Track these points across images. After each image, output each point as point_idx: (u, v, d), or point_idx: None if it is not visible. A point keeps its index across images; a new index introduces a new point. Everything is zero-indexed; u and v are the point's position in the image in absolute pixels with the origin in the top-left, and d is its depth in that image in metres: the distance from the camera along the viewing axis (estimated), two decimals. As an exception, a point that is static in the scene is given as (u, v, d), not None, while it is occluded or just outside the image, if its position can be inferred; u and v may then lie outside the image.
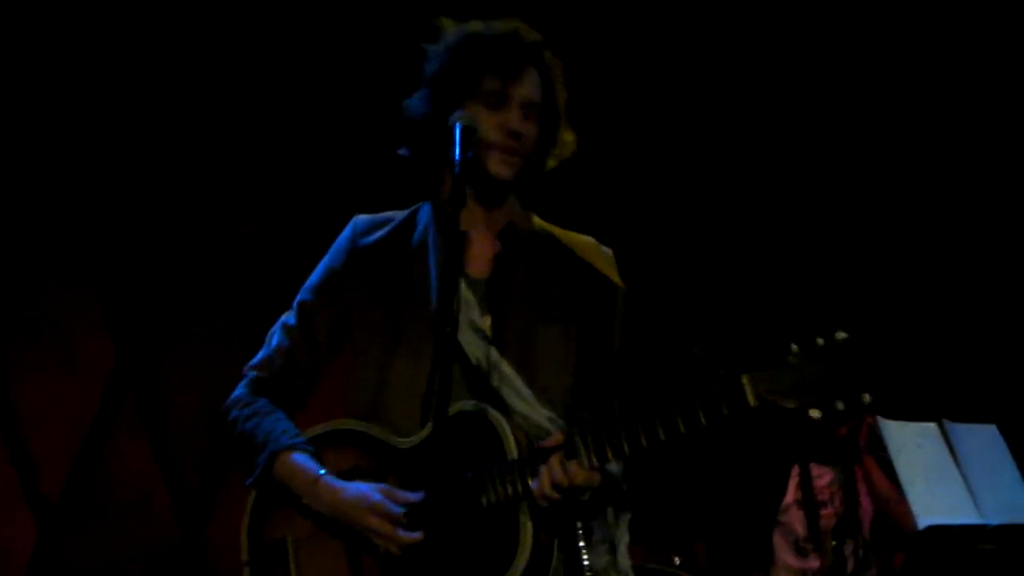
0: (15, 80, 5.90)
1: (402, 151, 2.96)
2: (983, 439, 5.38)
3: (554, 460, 2.61)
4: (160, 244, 6.33)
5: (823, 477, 5.66)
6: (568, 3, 5.79)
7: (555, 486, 2.60)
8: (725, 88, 6.65)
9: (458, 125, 2.70)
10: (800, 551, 5.63)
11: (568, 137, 2.97)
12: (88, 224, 6.21)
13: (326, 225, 3.12)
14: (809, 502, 5.59)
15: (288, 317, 3.02)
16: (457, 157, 2.67)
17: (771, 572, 5.73)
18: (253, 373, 3.01)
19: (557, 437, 2.67)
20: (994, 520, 5.13)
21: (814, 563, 5.56)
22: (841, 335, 2.51)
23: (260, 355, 3.03)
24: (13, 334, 6.00)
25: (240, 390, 3.01)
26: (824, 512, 5.59)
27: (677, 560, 5.93)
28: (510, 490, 2.65)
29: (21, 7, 5.77)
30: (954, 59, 6.33)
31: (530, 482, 2.63)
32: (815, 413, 2.50)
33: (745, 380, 2.53)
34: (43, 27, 5.82)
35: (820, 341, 2.52)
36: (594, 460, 2.61)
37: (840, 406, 2.49)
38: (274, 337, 3.02)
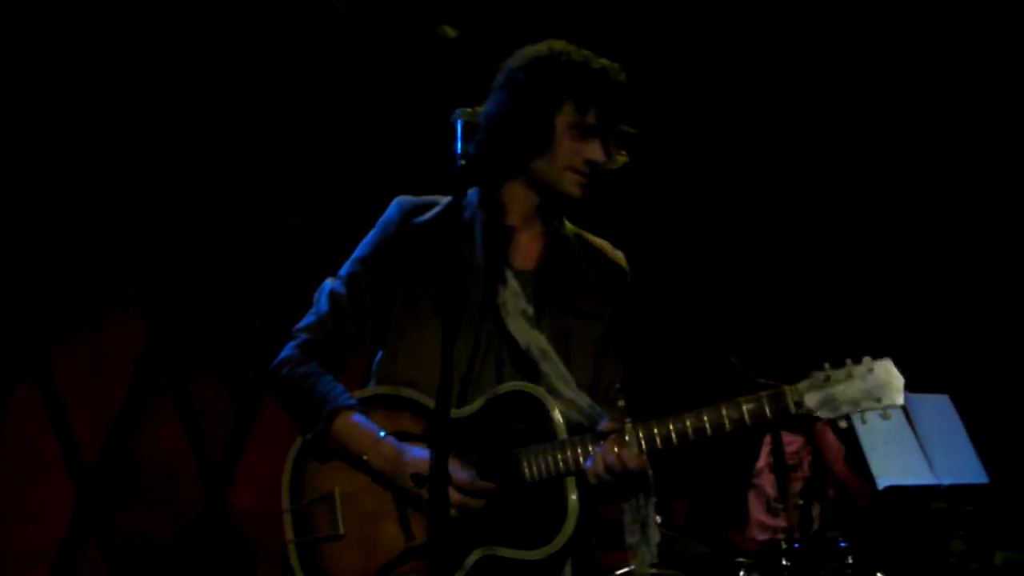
0: (55, 73, 5.96)
1: (468, 145, 2.87)
2: (937, 408, 5.66)
3: (609, 444, 2.75)
4: (189, 236, 6.38)
5: (792, 444, 5.94)
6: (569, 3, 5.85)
7: (608, 468, 2.74)
8: (758, 106, 6.81)
9: (459, 122, 2.78)
10: (771, 511, 5.94)
11: (621, 159, 3.04)
12: (120, 218, 6.30)
13: (348, 220, 3.12)
14: (780, 466, 5.83)
15: (336, 285, 3.05)
16: (459, 151, 2.75)
17: (746, 529, 6.01)
18: (304, 336, 3.04)
19: (612, 424, 2.80)
20: (947, 480, 5.41)
21: (783, 522, 5.82)
22: (869, 364, 2.73)
23: (309, 319, 3.06)
24: (51, 325, 6.07)
25: (290, 350, 3.03)
26: (793, 476, 5.87)
27: (659, 518, 6.22)
28: (561, 466, 2.77)
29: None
30: (954, 54, 6.48)
31: (582, 461, 2.76)
32: (843, 424, 2.75)
33: (786, 389, 2.75)
34: (74, 20, 5.89)
35: (848, 363, 2.74)
36: (644, 448, 2.76)
37: (842, 424, 2.75)
38: (322, 303, 3.05)
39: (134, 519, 6.17)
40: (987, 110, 6.65)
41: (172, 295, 6.43)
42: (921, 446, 5.49)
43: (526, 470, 2.80)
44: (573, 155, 2.95)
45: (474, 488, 2.79)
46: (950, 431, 5.61)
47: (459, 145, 2.78)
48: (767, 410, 2.75)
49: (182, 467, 6.36)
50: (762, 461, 6.04)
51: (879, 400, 2.74)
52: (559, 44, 3.00)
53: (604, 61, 2.99)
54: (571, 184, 2.98)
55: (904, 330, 6.79)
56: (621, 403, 2.85)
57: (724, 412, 2.77)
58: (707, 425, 2.76)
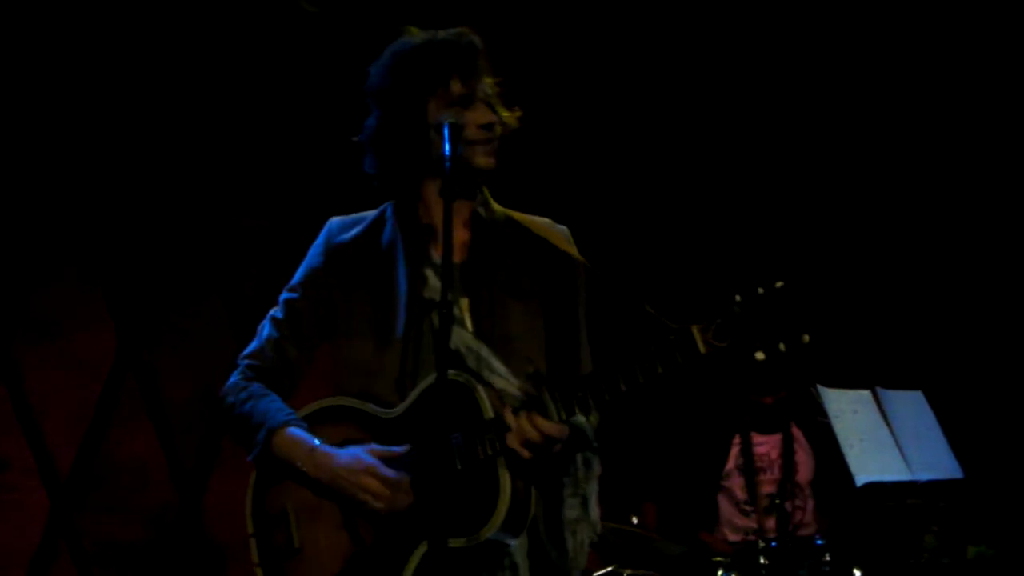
0: (18, 77, 5.93)
1: (367, 165, 3.06)
2: (912, 404, 5.63)
3: (523, 416, 2.76)
4: (158, 239, 6.37)
5: (761, 446, 5.94)
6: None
7: (526, 440, 2.74)
8: (656, 48, 6.72)
9: (447, 124, 2.83)
10: (742, 512, 5.89)
11: (506, 114, 3.04)
12: (89, 221, 6.20)
13: (319, 220, 3.15)
14: (749, 468, 5.89)
15: (276, 311, 3.14)
16: (447, 152, 2.81)
17: (716, 530, 5.95)
18: (246, 362, 3.12)
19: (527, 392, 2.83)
20: (922, 476, 5.40)
21: (753, 523, 5.81)
22: (779, 283, 2.67)
23: (252, 346, 3.15)
24: (21, 330, 6.05)
25: (235, 377, 3.11)
26: (762, 478, 5.88)
27: (635, 519, 6.06)
28: (488, 448, 2.76)
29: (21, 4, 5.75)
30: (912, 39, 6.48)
31: (506, 436, 2.76)
32: (760, 355, 2.67)
33: (695, 330, 2.69)
34: (43, 24, 5.86)
35: (760, 290, 2.68)
36: (562, 414, 2.75)
37: (782, 347, 2.66)
38: (264, 329, 3.14)
39: (107, 524, 6.14)
40: (970, 105, 6.68)
41: (142, 298, 6.41)
42: (897, 442, 5.48)
43: (458, 457, 2.80)
44: (467, 129, 2.94)
45: (398, 485, 2.81)
46: (925, 427, 5.60)
47: (447, 147, 2.83)
48: (676, 354, 2.71)
49: (155, 471, 6.32)
50: (731, 463, 6.00)
51: (796, 324, 2.69)
52: (402, 38, 3.03)
53: (449, 31, 3.01)
54: (481, 157, 2.99)
55: (877, 326, 6.81)
56: (531, 369, 2.88)
57: (635, 363, 2.73)
58: (620, 380, 2.74)
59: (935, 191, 6.91)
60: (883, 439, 5.44)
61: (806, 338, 2.65)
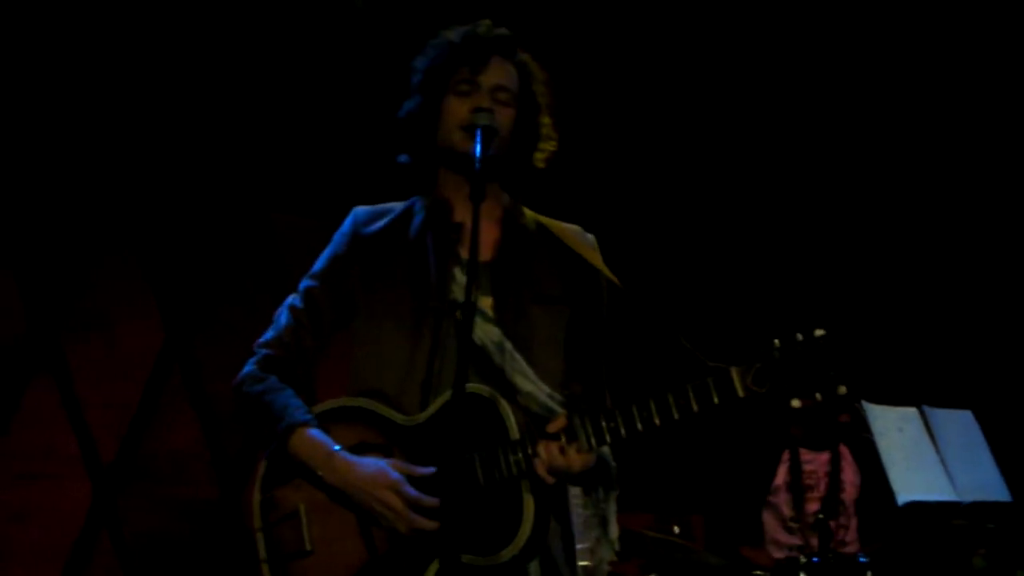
0: (68, 71, 5.97)
1: (401, 157, 3.07)
2: (960, 423, 5.55)
3: (554, 445, 2.71)
4: (206, 234, 6.42)
5: (810, 463, 5.88)
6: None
7: (553, 470, 2.70)
8: (713, 83, 6.73)
9: (480, 126, 2.82)
10: (787, 529, 5.83)
11: (547, 125, 3.04)
12: (139, 214, 6.30)
13: None
14: (796, 485, 5.83)
15: (295, 299, 3.06)
16: (478, 154, 2.79)
17: (762, 547, 5.89)
18: (263, 351, 3.04)
19: (559, 421, 2.76)
20: (968, 498, 5.32)
21: (799, 540, 5.75)
22: (819, 332, 2.62)
23: (268, 334, 3.06)
24: (69, 320, 6.12)
25: (250, 367, 3.03)
26: (810, 495, 5.81)
27: (677, 529, 6.12)
28: (514, 469, 2.72)
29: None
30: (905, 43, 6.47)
31: (534, 461, 2.71)
32: (796, 403, 2.63)
33: (734, 372, 2.64)
34: (81, 15, 5.90)
35: (800, 337, 2.63)
36: (593, 443, 2.71)
37: (819, 397, 2.62)
38: (281, 318, 3.06)
39: (149, 515, 6.20)
40: (979, 108, 6.64)
41: (190, 292, 6.45)
42: (943, 461, 5.41)
43: (481, 475, 2.76)
44: (458, 114, 2.94)
45: (421, 507, 2.76)
46: (973, 447, 5.53)
47: (478, 148, 2.82)
48: (714, 394, 2.67)
49: (197, 464, 6.38)
50: (779, 479, 5.96)
51: (835, 374, 2.65)
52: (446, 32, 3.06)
53: (477, 23, 3.03)
54: (464, 141, 2.92)
55: (928, 345, 6.75)
56: (568, 393, 2.84)
57: (671, 399, 2.69)
58: (654, 414, 2.69)
59: (987, 205, 6.85)
60: (928, 458, 5.37)
61: (843, 390, 2.61)
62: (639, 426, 2.70)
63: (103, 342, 6.19)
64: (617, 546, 2.99)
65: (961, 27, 6.30)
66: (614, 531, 2.97)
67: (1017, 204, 6.79)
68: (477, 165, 2.79)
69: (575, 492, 2.98)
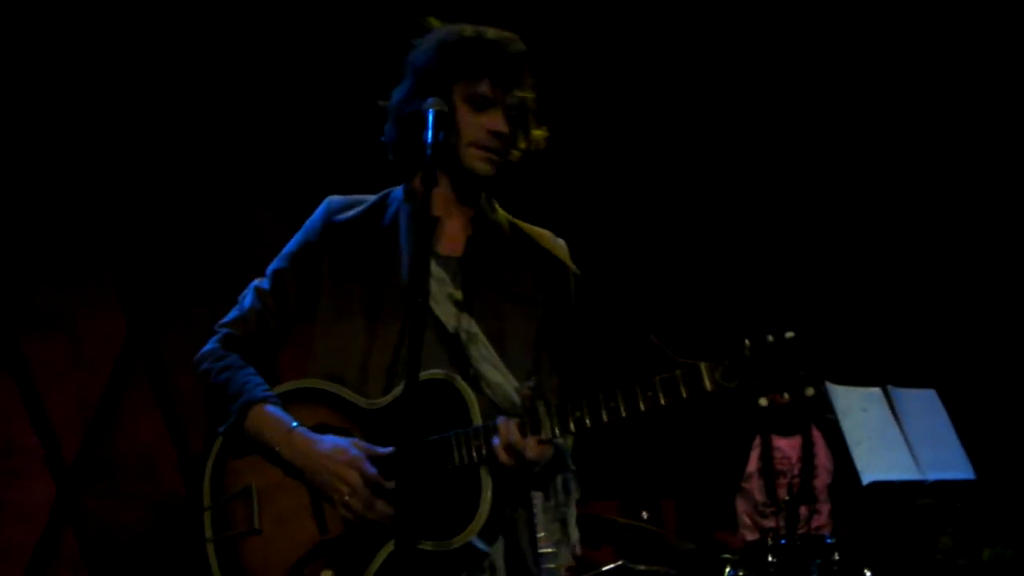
0: (29, 69, 5.92)
1: (385, 137, 3.04)
2: (923, 402, 5.60)
3: (514, 427, 2.69)
4: (167, 229, 6.39)
5: (781, 448, 5.93)
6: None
7: (508, 456, 2.69)
8: (682, 81, 6.75)
9: (431, 111, 2.78)
10: (761, 514, 5.88)
11: (539, 134, 3.03)
12: (100, 209, 6.24)
13: None
14: (768, 470, 5.89)
15: (262, 282, 3.06)
16: (429, 140, 2.76)
17: (736, 532, 5.98)
18: (225, 330, 3.03)
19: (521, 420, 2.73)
20: (932, 476, 5.36)
21: (773, 524, 5.73)
22: (789, 334, 2.62)
23: (232, 314, 3.06)
24: (28, 317, 6.07)
25: (212, 344, 3.02)
26: (782, 480, 5.85)
27: (645, 515, 6.10)
28: (474, 454, 2.71)
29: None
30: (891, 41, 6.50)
31: (492, 441, 2.70)
32: (763, 401, 2.64)
33: (703, 367, 2.64)
34: (49, 15, 5.86)
35: (770, 338, 2.63)
36: (557, 431, 2.69)
37: (786, 397, 2.63)
38: (247, 299, 3.05)
39: (113, 510, 6.15)
40: (971, 106, 6.66)
41: (151, 287, 6.42)
42: (907, 441, 5.45)
43: (441, 459, 2.75)
44: (474, 130, 2.92)
45: (379, 487, 2.73)
46: (937, 426, 5.56)
47: (430, 134, 2.78)
48: (682, 388, 2.66)
49: (162, 458, 6.32)
50: (752, 465, 6.00)
51: (802, 376, 2.64)
52: (458, 25, 2.99)
53: (499, 32, 2.98)
54: (475, 159, 2.94)
55: (891, 324, 6.76)
56: (531, 383, 2.78)
57: (638, 391, 2.68)
58: (621, 405, 2.68)
59: (951, 186, 6.88)
60: (892, 437, 5.40)
61: (810, 391, 2.62)
62: (605, 417, 2.69)
63: (65, 337, 6.14)
64: (578, 550, 2.99)
65: (943, 26, 6.34)
66: (574, 534, 2.98)
67: (975, 187, 6.82)
68: (428, 151, 2.76)
69: (537, 496, 2.97)
